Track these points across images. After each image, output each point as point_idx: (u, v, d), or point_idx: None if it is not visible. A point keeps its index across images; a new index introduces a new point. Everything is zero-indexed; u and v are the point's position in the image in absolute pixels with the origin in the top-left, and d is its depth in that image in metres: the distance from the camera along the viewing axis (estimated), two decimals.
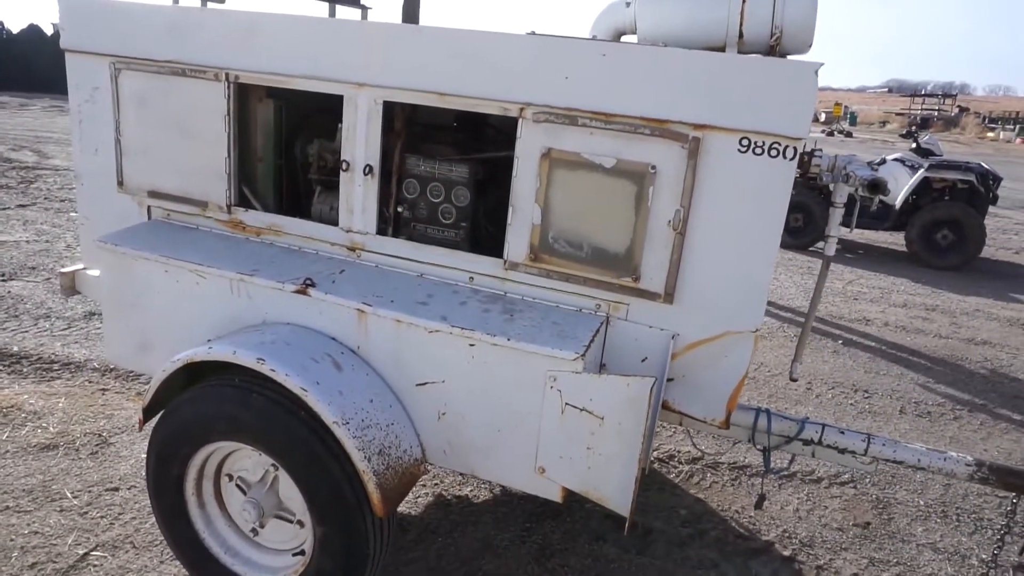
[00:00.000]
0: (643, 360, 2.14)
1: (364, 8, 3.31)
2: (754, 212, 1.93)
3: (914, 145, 8.71)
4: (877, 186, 1.65)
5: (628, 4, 2.39)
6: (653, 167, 1.96)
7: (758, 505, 2.85)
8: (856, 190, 1.75)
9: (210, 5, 2.78)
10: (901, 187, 7.86)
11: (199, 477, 2.25)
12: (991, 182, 7.95)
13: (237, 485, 2.24)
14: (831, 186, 2.00)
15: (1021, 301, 6.86)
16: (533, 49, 2.01)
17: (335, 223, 2.40)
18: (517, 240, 2.16)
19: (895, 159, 8.32)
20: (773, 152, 1.87)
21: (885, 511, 3.19)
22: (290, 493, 2.14)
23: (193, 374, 2.16)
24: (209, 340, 2.15)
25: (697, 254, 2.01)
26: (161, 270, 2.35)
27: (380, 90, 2.19)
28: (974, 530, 3.09)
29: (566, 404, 1.92)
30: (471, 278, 2.26)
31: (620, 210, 2.02)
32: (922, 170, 7.83)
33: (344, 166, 2.30)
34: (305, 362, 2.01)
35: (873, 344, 5.39)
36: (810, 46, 2.25)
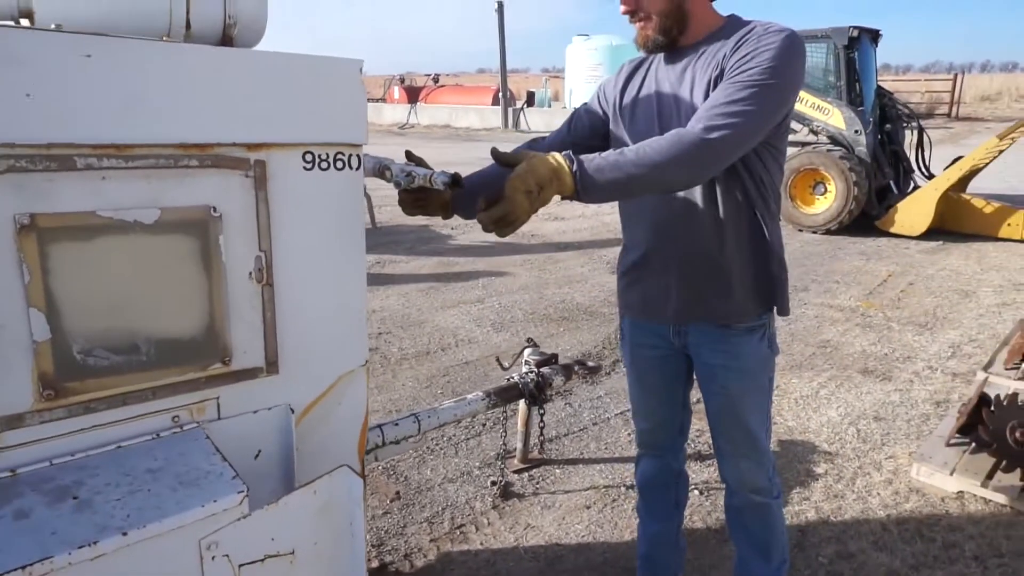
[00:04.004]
0: (257, 456, 1.63)
1: None
2: (335, 235, 1.66)
3: None
4: (458, 181, 1.65)
5: None
6: (215, 209, 1.43)
7: None
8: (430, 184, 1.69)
9: None
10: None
11: None
12: None
13: None
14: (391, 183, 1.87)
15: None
16: None
17: None
18: (7, 378, 1.26)
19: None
20: (339, 164, 1.62)
21: (398, 475, 3.41)
22: None
23: None
24: None
25: (291, 303, 1.61)
26: None
27: None
28: (456, 451, 3.64)
29: (240, 566, 1.32)
30: None
31: (184, 277, 1.42)
32: None
33: None
34: None
35: None
36: (262, 36, 1.99)
